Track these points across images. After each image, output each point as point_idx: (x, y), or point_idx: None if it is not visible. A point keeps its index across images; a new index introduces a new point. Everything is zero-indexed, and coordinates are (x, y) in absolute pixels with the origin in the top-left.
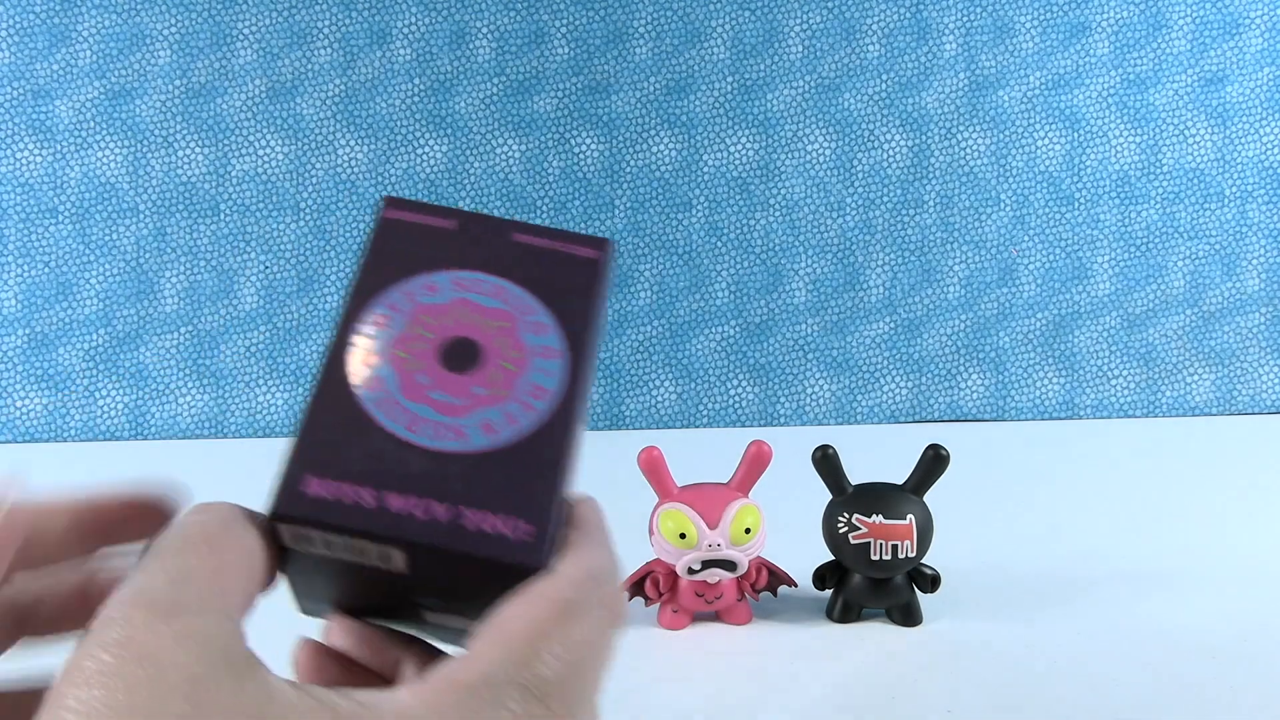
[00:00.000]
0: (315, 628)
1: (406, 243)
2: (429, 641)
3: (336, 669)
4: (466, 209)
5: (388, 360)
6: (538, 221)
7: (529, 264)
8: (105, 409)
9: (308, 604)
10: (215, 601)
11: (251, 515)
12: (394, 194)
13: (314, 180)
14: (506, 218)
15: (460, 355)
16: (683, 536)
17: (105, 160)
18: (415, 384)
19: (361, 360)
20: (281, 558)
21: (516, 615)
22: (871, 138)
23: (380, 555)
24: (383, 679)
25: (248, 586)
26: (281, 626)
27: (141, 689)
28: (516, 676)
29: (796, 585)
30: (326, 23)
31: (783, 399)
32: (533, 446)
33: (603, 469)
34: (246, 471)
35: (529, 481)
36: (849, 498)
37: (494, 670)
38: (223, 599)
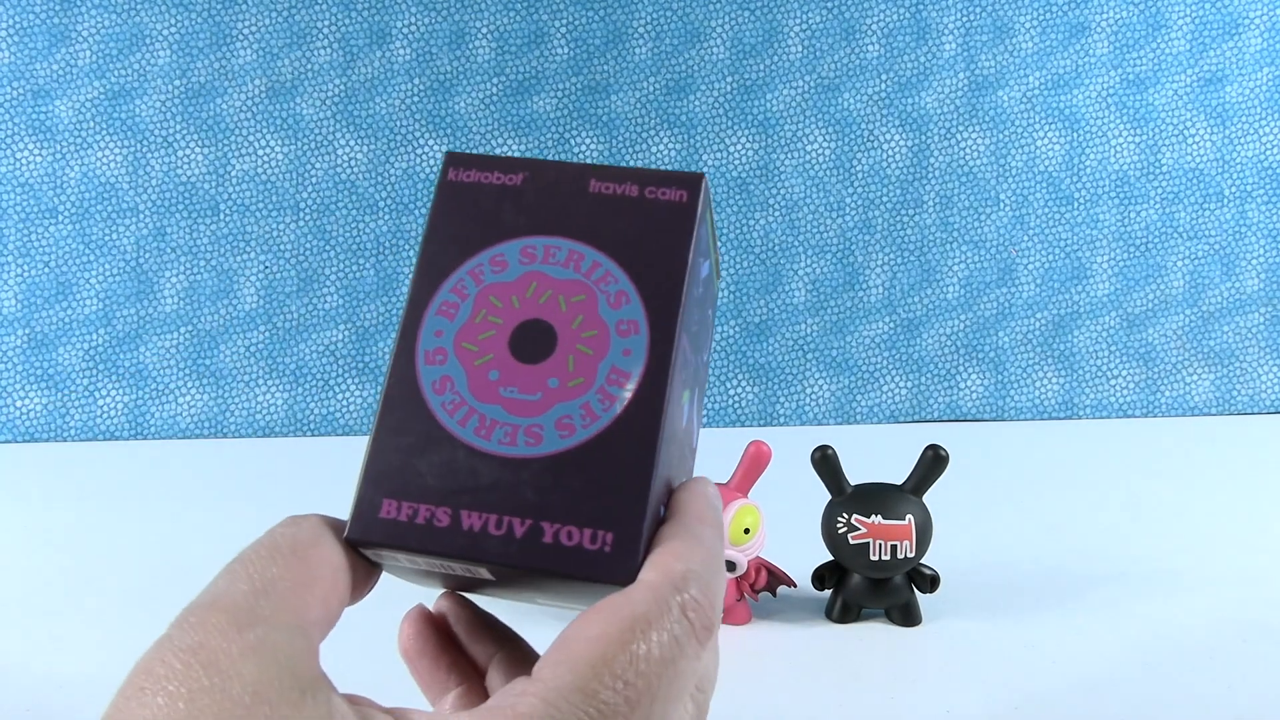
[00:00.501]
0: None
1: (470, 209)
2: (524, 641)
3: (435, 641)
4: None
5: (455, 355)
6: None
7: (606, 219)
8: (105, 409)
9: (415, 581)
10: (293, 615)
11: (340, 527)
12: (454, 150)
13: (314, 180)
14: (581, 162)
15: (532, 342)
16: None
17: (105, 160)
18: (486, 381)
19: (429, 358)
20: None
21: (582, 635)
22: (871, 138)
23: (464, 569)
24: (477, 671)
25: (330, 602)
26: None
27: (203, 697)
28: (581, 706)
29: (796, 585)
30: (326, 23)
31: (782, 399)
32: (613, 443)
33: None
34: (246, 471)
35: (609, 484)
36: (848, 498)
37: (557, 699)
38: (302, 613)
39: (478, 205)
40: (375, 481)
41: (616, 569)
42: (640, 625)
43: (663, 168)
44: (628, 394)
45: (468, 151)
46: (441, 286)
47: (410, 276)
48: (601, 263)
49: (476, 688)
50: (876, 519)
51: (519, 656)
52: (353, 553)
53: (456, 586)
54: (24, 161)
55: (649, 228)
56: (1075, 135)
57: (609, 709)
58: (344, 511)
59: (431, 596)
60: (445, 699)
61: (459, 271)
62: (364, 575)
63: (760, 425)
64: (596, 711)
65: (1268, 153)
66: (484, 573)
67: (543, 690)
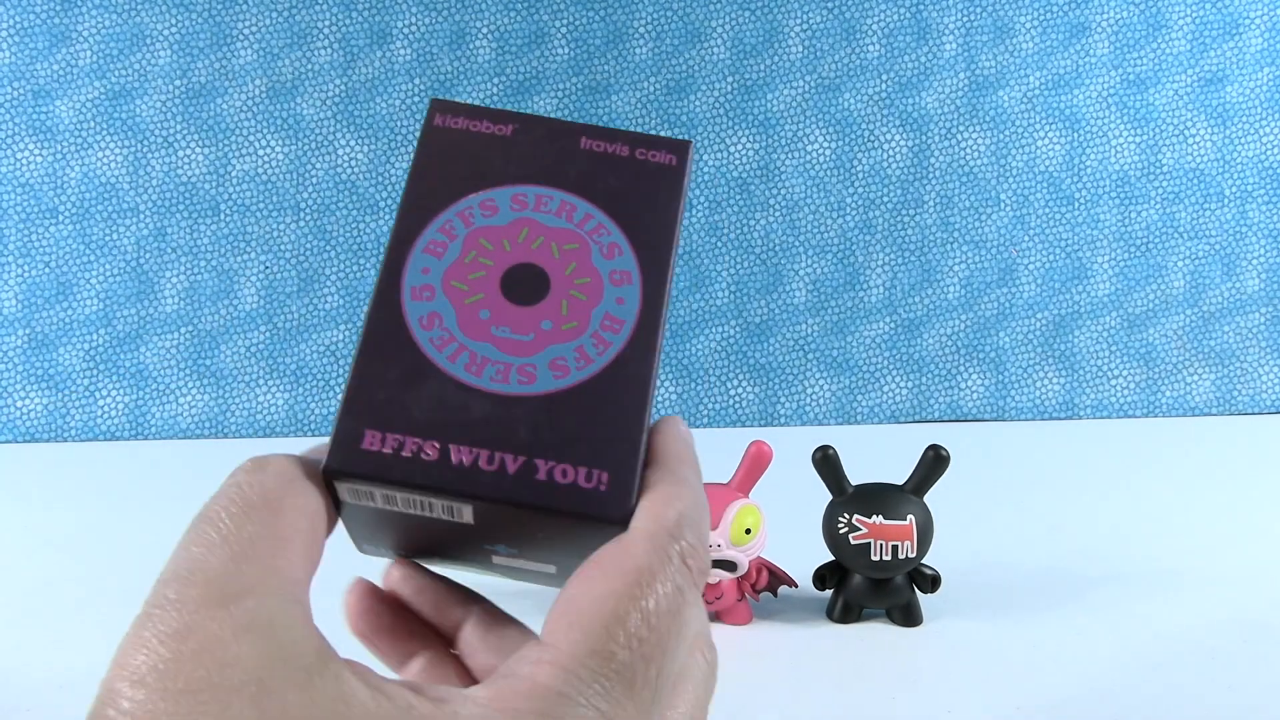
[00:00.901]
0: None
1: (458, 154)
2: (490, 602)
3: (390, 616)
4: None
5: (444, 293)
6: None
7: (598, 174)
8: (105, 409)
9: (366, 545)
10: (279, 580)
11: (310, 469)
12: (443, 98)
13: (314, 180)
14: (571, 120)
15: (525, 285)
16: None
17: (106, 160)
18: (476, 319)
19: (415, 294)
20: (337, 506)
21: (588, 593)
22: (872, 138)
23: (446, 509)
24: (439, 635)
25: (311, 554)
26: (333, 564)
27: (200, 693)
28: (600, 669)
29: (797, 586)
30: (327, 23)
31: (783, 399)
32: (607, 386)
33: None
34: None
35: (604, 426)
36: (849, 498)
37: (574, 665)
38: (288, 575)
39: (466, 151)
40: (357, 413)
41: (613, 508)
42: (645, 579)
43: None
44: (623, 340)
45: (454, 101)
46: (429, 225)
47: (394, 214)
48: (594, 215)
49: (441, 654)
50: (878, 519)
51: (493, 617)
52: (325, 496)
53: (412, 547)
54: (25, 162)
55: (640, 186)
56: (1076, 135)
57: (626, 668)
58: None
59: (364, 569)
60: (409, 666)
61: (447, 212)
62: (334, 518)
63: (761, 425)
64: (614, 673)
65: (1268, 153)
66: (466, 514)
67: (558, 657)
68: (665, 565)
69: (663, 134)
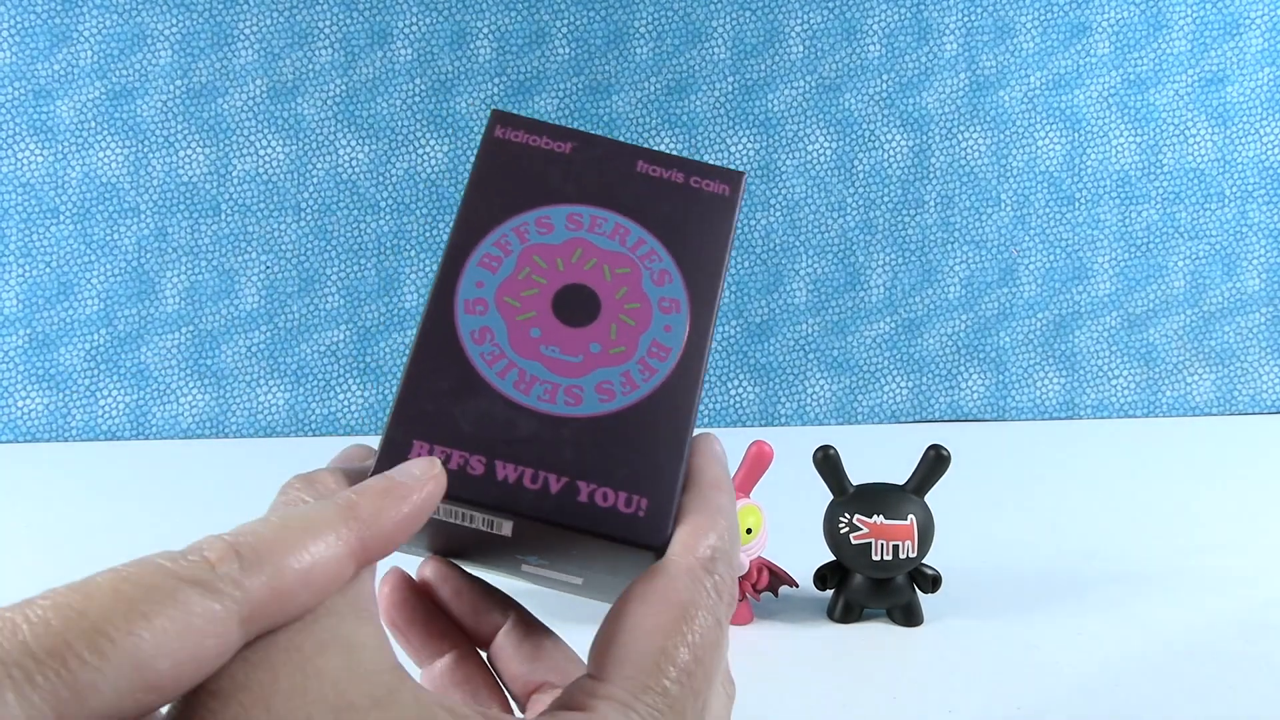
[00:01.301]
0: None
1: (517, 168)
2: (526, 610)
3: (424, 611)
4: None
5: (497, 308)
6: None
7: (653, 199)
8: (106, 409)
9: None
10: (352, 597)
11: (355, 479)
12: (503, 109)
13: (315, 180)
14: (629, 142)
15: (576, 306)
16: None
17: (106, 160)
18: (527, 337)
19: (469, 307)
20: None
21: (636, 627)
22: (872, 138)
23: (486, 522)
24: (467, 636)
25: (373, 570)
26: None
27: (290, 698)
28: (655, 704)
29: (797, 585)
30: (327, 23)
31: (783, 399)
32: (651, 413)
33: None
34: (248, 472)
35: (646, 452)
36: (850, 498)
37: (631, 700)
38: (359, 592)
39: (524, 166)
40: (407, 423)
41: (651, 534)
42: (690, 613)
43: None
44: (669, 368)
45: (515, 114)
46: (484, 239)
47: (451, 226)
48: (646, 240)
49: (468, 654)
50: (878, 519)
51: (528, 626)
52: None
53: (444, 548)
54: (25, 162)
55: (692, 214)
56: (1076, 135)
57: (678, 702)
58: None
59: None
60: (435, 665)
61: (503, 227)
62: None
63: (761, 425)
64: (668, 707)
65: (1268, 153)
66: (505, 529)
67: (615, 693)
68: (705, 597)
69: (663, 136)
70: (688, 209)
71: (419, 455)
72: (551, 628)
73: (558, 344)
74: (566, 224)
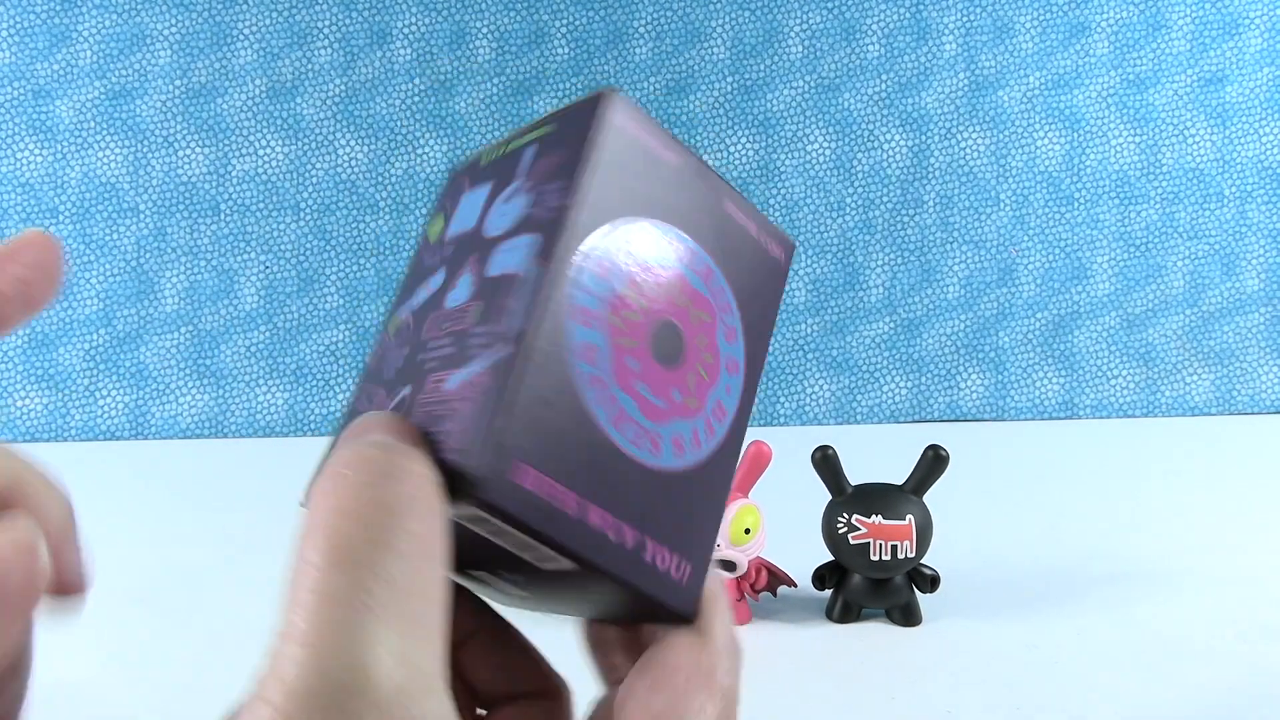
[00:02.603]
0: None
1: (632, 167)
2: (501, 617)
3: None
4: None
5: (607, 327)
6: None
7: (733, 248)
8: (106, 409)
9: None
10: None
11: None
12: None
13: (314, 180)
14: (718, 174)
15: (668, 345)
16: None
17: (106, 160)
18: (625, 367)
19: (578, 313)
20: None
21: (685, 706)
22: (871, 138)
23: (544, 556)
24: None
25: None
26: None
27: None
28: None
29: (796, 585)
30: (327, 23)
31: (783, 399)
32: (705, 476)
33: None
34: (247, 471)
35: (698, 516)
36: (849, 498)
37: None
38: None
39: (639, 166)
40: (516, 438)
41: (688, 603)
42: (730, 696)
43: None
44: (724, 431)
45: (633, 103)
46: (615, 230)
47: (561, 204)
48: (726, 291)
49: None
50: (877, 519)
51: (501, 634)
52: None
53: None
54: (25, 161)
55: (756, 274)
56: (1075, 135)
57: None
58: None
59: None
60: None
61: (620, 225)
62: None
63: (761, 425)
64: None
65: (1268, 153)
66: (557, 564)
67: None
68: (736, 681)
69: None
70: (754, 266)
71: (523, 478)
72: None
73: (648, 382)
74: (648, 242)
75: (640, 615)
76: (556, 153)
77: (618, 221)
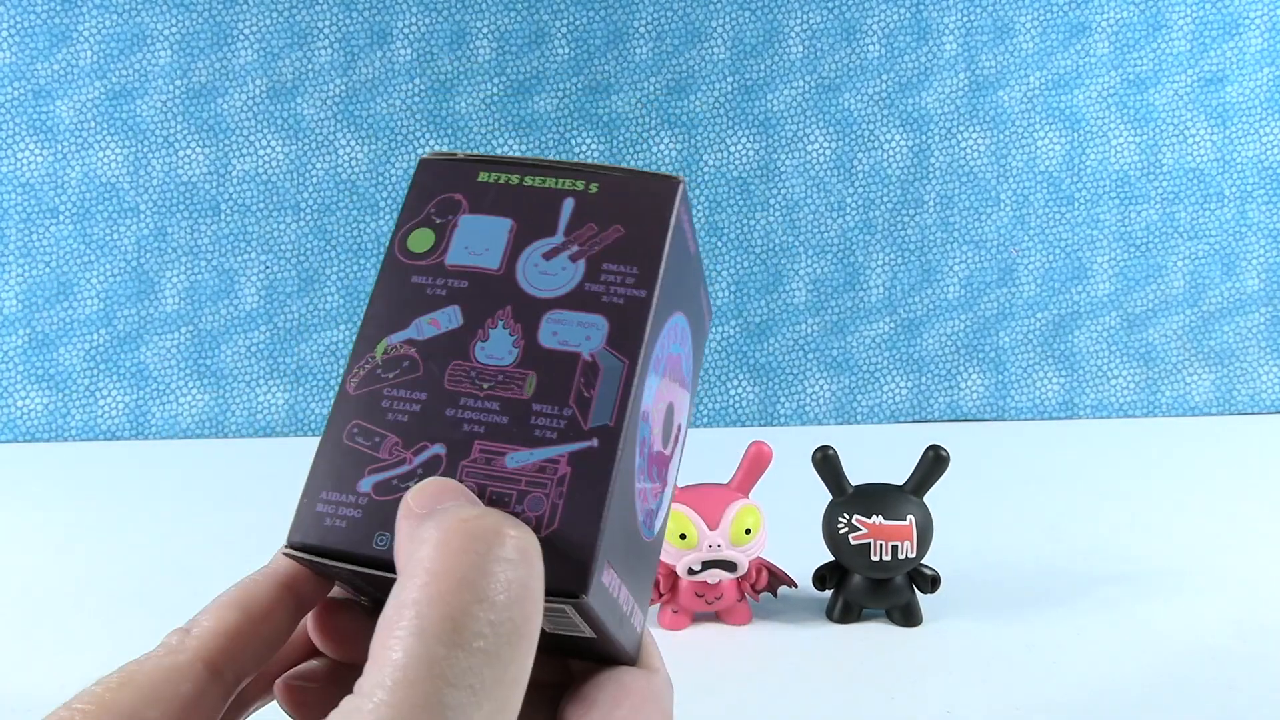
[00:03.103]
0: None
1: (676, 260)
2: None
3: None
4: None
5: (652, 419)
6: None
7: (699, 328)
8: (106, 409)
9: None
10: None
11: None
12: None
13: (314, 180)
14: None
15: (668, 428)
16: (683, 537)
17: (106, 160)
18: (649, 454)
19: (643, 412)
20: None
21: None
22: (871, 138)
23: (573, 627)
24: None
25: None
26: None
27: None
28: None
29: (796, 586)
30: (327, 23)
31: (783, 399)
32: (658, 541)
33: None
34: (247, 472)
35: (649, 576)
36: (849, 498)
37: None
38: None
39: (680, 260)
40: (605, 544)
41: (635, 646)
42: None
43: (664, 171)
44: (669, 498)
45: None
46: (665, 327)
47: (635, 295)
48: (691, 369)
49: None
50: (877, 519)
51: None
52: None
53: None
54: (25, 161)
55: (701, 347)
56: (1075, 135)
57: None
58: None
59: None
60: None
61: (671, 319)
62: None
63: (761, 425)
64: None
65: (1268, 153)
66: (584, 631)
67: None
68: (671, 709)
69: (663, 136)
70: (702, 339)
71: (605, 577)
72: None
73: (655, 466)
74: (675, 334)
75: (591, 655)
76: (612, 226)
77: (667, 318)
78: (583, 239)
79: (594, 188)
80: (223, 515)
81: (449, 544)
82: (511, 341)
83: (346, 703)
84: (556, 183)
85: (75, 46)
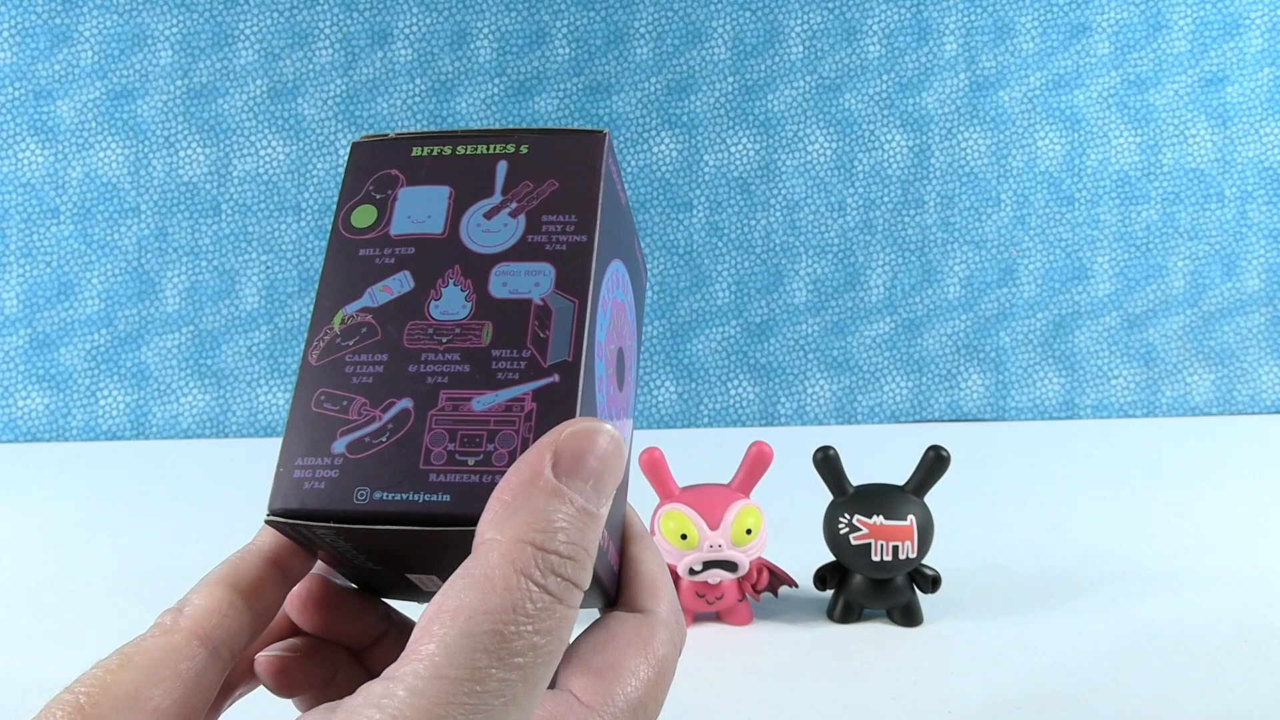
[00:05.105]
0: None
1: (611, 209)
2: (405, 616)
3: (328, 603)
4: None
5: (606, 357)
6: None
7: (639, 278)
8: (107, 409)
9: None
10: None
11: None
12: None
13: (315, 180)
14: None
15: (621, 371)
16: (684, 537)
17: (107, 160)
18: (609, 394)
19: (598, 348)
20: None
21: (629, 673)
22: (872, 138)
23: None
24: (345, 637)
25: None
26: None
27: None
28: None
29: (797, 586)
30: (328, 23)
31: (783, 399)
32: None
33: None
34: (248, 472)
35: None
36: (850, 498)
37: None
38: None
39: (613, 209)
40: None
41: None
42: (668, 666)
43: (660, 170)
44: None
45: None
46: (605, 275)
47: (577, 241)
48: (634, 316)
49: (334, 651)
50: (878, 519)
51: (409, 630)
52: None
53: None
54: (26, 162)
55: (642, 296)
56: (1076, 135)
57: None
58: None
59: None
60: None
61: (612, 267)
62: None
63: (761, 425)
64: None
65: (1268, 153)
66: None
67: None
68: (677, 650)
69: (663, 136)
70: (643, 289)
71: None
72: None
73: (615, 406)
74: (617, 281)
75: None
76: (546, 181)
77: (608, 263)
78: (520, 195)
79: (524, 149)
80: (223, 515)
81: (514, 560)
82: (464, 297)
83: (378, 684)
84: (488, 148)
85: (76, 47)
